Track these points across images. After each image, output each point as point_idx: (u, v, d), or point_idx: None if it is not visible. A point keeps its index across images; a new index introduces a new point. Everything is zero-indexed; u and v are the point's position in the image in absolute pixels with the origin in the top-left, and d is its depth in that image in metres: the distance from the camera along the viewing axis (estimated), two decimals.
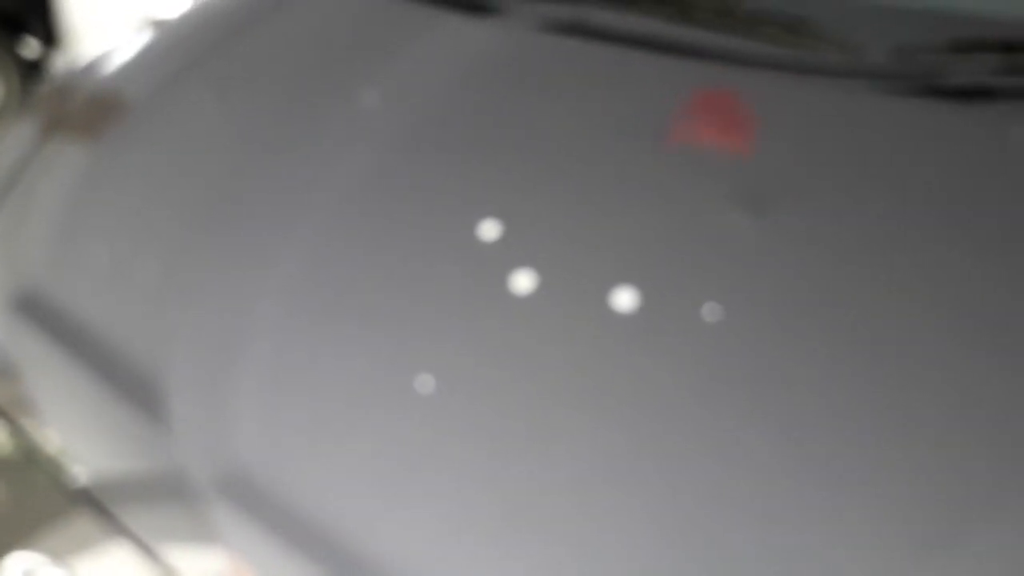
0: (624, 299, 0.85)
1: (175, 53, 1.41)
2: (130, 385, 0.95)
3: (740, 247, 0.87)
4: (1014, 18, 0.99)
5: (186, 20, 1.49)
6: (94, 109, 1.40)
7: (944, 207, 0.87)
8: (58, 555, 0.87)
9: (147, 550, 0.84)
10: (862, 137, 0.95)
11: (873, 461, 0.70)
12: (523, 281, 0.89)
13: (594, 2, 1.18)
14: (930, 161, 0.91)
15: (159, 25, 1.51)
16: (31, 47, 4.58)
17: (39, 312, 1.09)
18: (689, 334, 0.81)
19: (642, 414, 0.77)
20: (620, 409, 0.78)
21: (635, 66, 1.10)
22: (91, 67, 1.50)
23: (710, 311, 0.82)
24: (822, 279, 0.83)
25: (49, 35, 4.52)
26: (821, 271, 0.84)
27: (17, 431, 1.01)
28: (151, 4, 1.77)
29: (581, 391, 0.80)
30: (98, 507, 0.88)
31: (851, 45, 1.02)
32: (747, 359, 0.79)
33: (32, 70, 4.60)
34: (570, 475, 0.75)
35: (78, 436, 0.96)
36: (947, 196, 0.88)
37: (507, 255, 0.92)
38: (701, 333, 0.81)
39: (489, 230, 0.95)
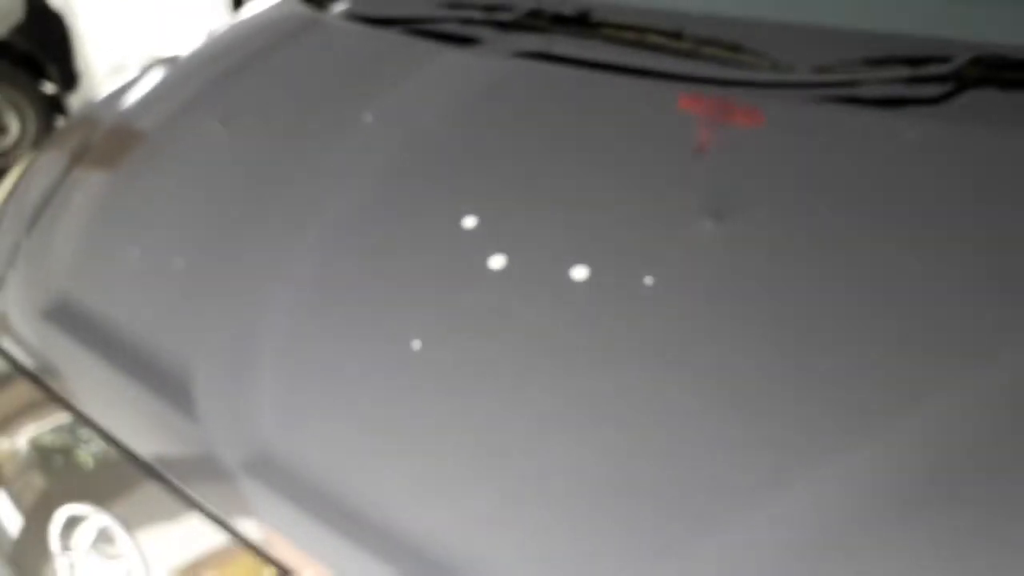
0: (582, 274, 0.99)
1: (187, 86, 1.56)
2: (159, 377, 1.08)
3: (682, 231, 1.01)
4: (918, 35, 1.13)
5: (196, 56, 1.64)
6: (114, 139, 1.54)
7: (859, 196, 1.01)
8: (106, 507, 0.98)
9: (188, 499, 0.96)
10: (789, 138, 1.08)
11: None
12: (501, 264, 1.04)
13: (559, 33, 1.33)
14: (847, 159, 1.05)
15: (169, 62, 1.67)
16: (50, 86, 4.78)
17: (70, 317, 1.23)
18: (637, 301, 0.95)
19: (600, 367, 0.91)
20: (584, 362, 0.93)
21: (595, 87, 1.24)
22: (109, 101, 1.65)
23: (654, 283, 0.96)
24: (749, 254, 0.97)
25: (68, 75, 4.72)
26: (749, 248, 0.97)
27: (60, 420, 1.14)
28: (161, 45, 1.93)
29: (554, 351, 0.94)
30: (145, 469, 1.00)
31: (781, 63, 1.16)
32: (687, 320, 0.93)
33: (50, 108, 4.81)
34: (542, 422, 0.89)
35: (116, 422, 1.09)
36: (862, 186, 1.01)
37: (489, 244, 1.06)
38: (647, 300, 0.95)
39: (473, 226, 1.10)
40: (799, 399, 0.84)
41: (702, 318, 0.93)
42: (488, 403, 0.93)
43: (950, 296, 0.88)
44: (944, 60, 1.07)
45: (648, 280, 0.97)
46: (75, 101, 4.74)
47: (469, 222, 1.10)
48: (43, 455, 1.10)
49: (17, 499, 1.05)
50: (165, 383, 1.05)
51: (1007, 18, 1.14)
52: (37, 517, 0.99)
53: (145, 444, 1.01)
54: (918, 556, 0.74)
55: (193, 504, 0.94)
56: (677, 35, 1.25)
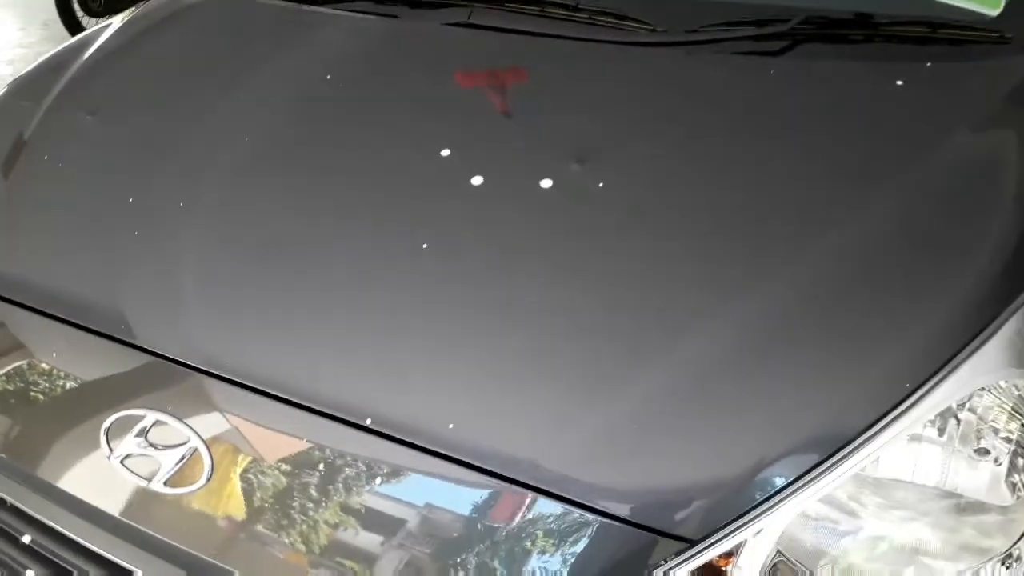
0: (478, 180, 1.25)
1: (87, 67, 1.71)
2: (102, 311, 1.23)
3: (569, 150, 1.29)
4: (762, 3, 1.45)
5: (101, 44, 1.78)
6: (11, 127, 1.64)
7: (719, 121, 1.30)
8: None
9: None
10: (666, 82, 1.40)
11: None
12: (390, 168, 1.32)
13: (478, 7, 1.58)
14: (704, 97, 1.36)
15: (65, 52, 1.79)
16: None
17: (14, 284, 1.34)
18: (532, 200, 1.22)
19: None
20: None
21: (505, 50, 1.51)
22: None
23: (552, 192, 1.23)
24: (635, 162, 1.26)
25: None
26: (635, 157, 1.26)
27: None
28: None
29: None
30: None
31: (659, 27, 1.46)
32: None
33: None
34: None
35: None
36: (718, 115, 1.32)
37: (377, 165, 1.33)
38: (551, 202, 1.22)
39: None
40: (677, 276, 1.11)
41: (598, 216, 1.19)
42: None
43: (785, 192, 1.18)
44: (783, 21, 1.39)
45: (547, 187, 1.23)
46: None
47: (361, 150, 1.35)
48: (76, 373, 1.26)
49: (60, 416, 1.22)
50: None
51: None
52: (86, 427, 1.17)
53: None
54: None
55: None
56: (575, 7, 1.52)
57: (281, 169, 1.36)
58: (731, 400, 0.98)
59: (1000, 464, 0.97)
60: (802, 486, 0.93)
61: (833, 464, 0.93)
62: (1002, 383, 0.99)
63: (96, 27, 1.90)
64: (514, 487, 0.97)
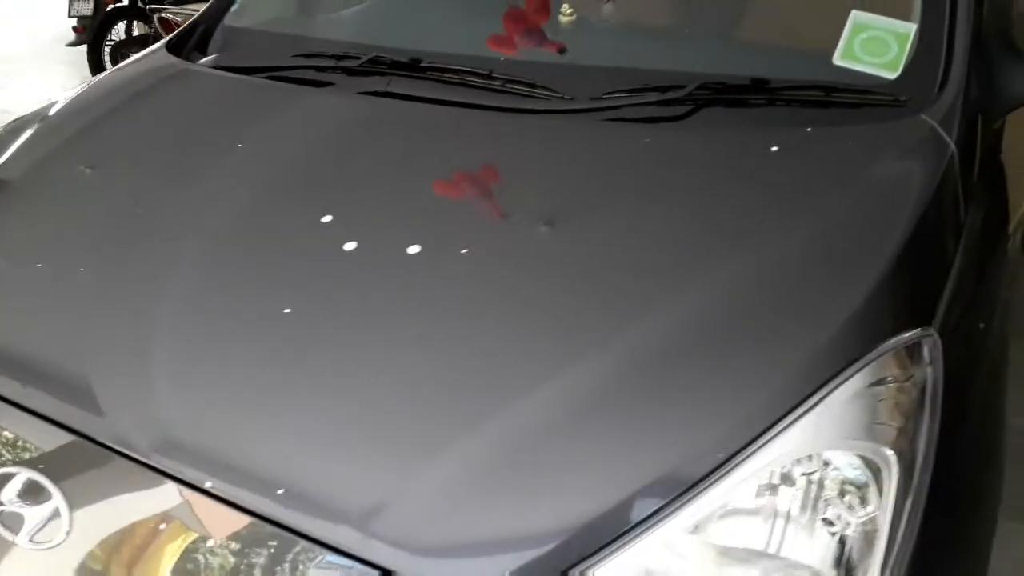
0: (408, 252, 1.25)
1: (60, 134, 1.75)
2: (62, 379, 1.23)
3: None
4: (661, 69, 1.48)
5: (68, 107, 1.84)
6: None
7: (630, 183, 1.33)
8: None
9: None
10: (571, 150, 1.41)
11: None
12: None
13: (396, 75, 1.63)
14: (610, 160, 1.38)
15: (35, 118, 1.84)
16: None
17: None
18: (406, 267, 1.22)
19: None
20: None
21: (421, 117, 1.55)
22: None
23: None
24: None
25: None
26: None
27: None
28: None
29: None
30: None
31: (566, 95, 1.49)
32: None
33: None
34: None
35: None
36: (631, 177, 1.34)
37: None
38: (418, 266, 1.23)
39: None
40: (518, 344, 1.11)
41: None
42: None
43: (642, 259, 1.19)
44: (680, 87, 1.42)
45: (413, 254, 1.24)
46: None
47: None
48: None
49: None
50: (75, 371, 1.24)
51: (723, 55, 1.51)
52: None
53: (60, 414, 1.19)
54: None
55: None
56: (488, 76, 1.56)
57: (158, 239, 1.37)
58: (550, 466, 0.97)
59: (835, 535, 0.95)
60: (614, 550, 0.92)
61: (646, 529, 0.92)
62: (831, 454, 0.98)
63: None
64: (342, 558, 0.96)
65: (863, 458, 0.98)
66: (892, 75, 1.40)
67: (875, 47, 1.43)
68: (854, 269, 1.11)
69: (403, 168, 1.42)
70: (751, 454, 0.95)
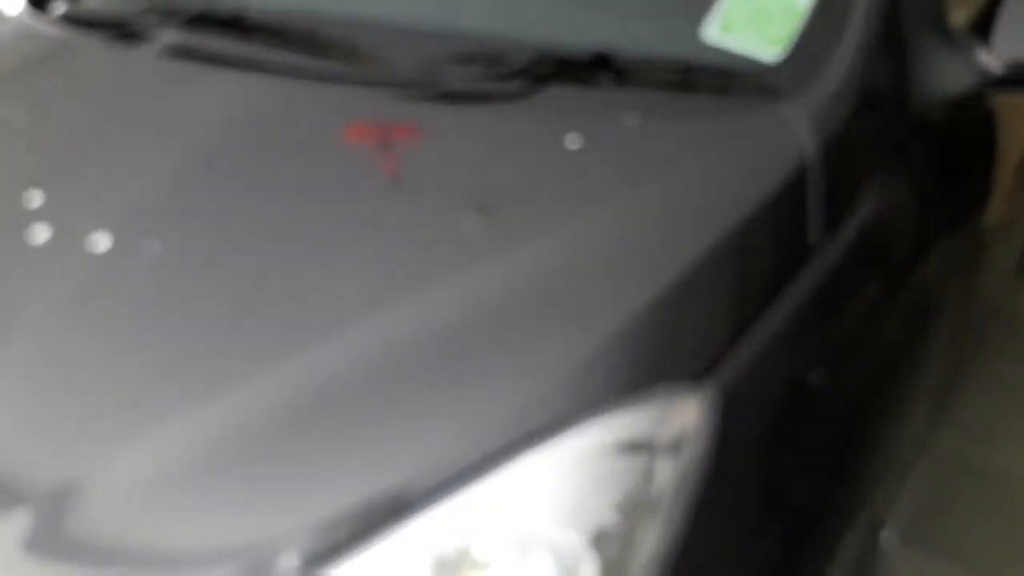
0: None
1: None
2: None
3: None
4: (496, 35, 1.21)
5: None
6: None
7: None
8: None
9: None
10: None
11: None
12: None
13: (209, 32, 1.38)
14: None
15: None
16: None
17: None
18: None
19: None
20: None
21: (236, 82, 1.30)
22: None
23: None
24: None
25: None
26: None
27: None
28: None
29: None
30: None
31: (386, 60, 1.22)
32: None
33: None
34: None
35: None
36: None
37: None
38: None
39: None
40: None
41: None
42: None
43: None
44: (516, 59, 1.15)
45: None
46: None
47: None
48: None
49: None
50: None
51: (575, 21, 1.23)
52: None
53: None
54: None
55: None
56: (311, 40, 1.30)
57: None
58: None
59: None
60: None
61: None
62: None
63: None
64: None
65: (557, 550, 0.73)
66: (770, 59, 1.12)
67: (756, 22, 1.14)
68: (607, 300, 0.84)
69: (148, 138, 1.18)
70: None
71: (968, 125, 1.31)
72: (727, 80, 1.11)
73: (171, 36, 1.38)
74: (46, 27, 1.57)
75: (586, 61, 1.13)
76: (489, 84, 1.15)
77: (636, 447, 0.77)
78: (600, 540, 0.75)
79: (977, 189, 1.38)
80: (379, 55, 1.24)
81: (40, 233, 1.06)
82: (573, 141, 1.03)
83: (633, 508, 0.76)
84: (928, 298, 1.23)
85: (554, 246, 0.90)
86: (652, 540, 0.76)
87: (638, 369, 0.80)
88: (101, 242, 1.02)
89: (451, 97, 1.15)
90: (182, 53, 1.35)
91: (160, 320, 0.94)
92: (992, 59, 1.19)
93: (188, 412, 0.85)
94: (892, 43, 1.15)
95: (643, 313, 0.83)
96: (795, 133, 1.01)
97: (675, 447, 0.79)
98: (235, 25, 1.38)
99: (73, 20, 1.54)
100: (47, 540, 0.80)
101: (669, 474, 0.78)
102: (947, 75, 1.19)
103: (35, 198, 1.12)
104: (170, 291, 0.97)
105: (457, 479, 0.74)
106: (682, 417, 0.80)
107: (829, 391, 0.96)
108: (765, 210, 0.95)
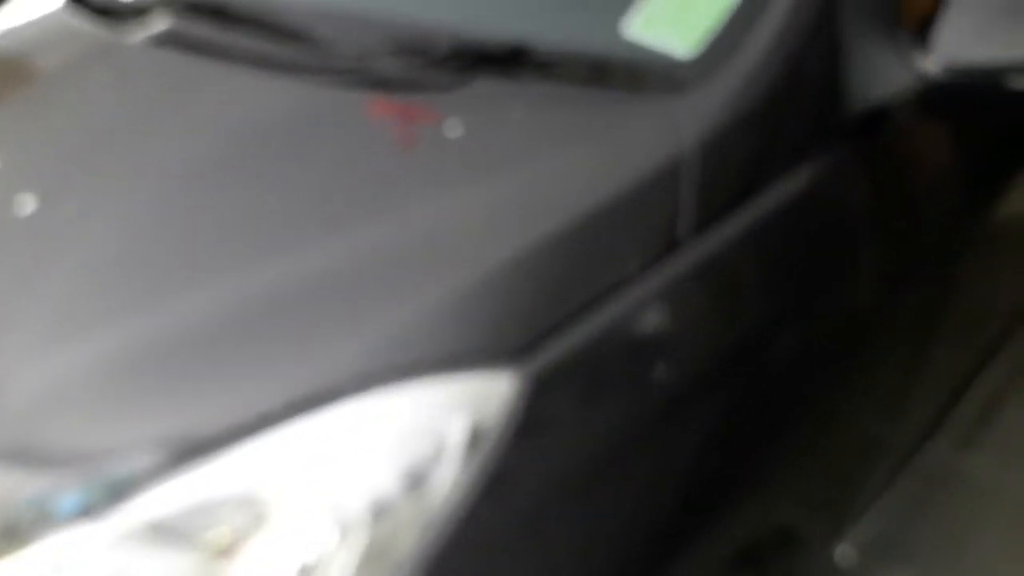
0: None
1: None
2: None
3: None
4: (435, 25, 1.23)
5: None
6: None
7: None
8: None
9: None
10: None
11: None
12: None
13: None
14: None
15: None
16: None
17: None
18: None
19: None
20: None
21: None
22: None
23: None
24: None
25: None
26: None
27: None
28: None
29: None
30: None
31: (324, 46, 1.26)
32: None
33: None
34: None
35: None
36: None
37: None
38: None
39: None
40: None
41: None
42: None
43: None
44: (441, 47, 1.17)
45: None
46: None
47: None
48: None
49: None
50: None
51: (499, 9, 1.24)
52: None
53: None
54: None
55: None
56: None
57: None
58: None
59: None
60: None
61: None
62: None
63: None
64: None
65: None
66: (683, 55, 1.10)
67: (678, 18, 1.13)
68: (431, 277, 0.87)
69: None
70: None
71: (915, 131, 1.26)
72: (639, 76, 1.10)
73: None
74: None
75: (504, 54, 1.15)
76: (419, 73, 1.18)
77: (433, 422, 0.79)
78: (378, 510, 0.77)
79: (932, 196, 1.31)
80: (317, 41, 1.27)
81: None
82: (453, 129, 1.05)
83: (417, 483, 0.78)
84: (849, 316, 1.19)
85: (398, 223, 0.93)
86: (429, 520, 0.77)
87: (450, 344, 0.82)
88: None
89: (384, 85, 1.19)
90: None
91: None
92: (930, 62, 1.14)
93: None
94: (819, 42, 1.12)
95: (464, 291, 0.86)
96: (676, 127, 1.00)
97: (476, 427, 0.80)
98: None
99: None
100: None
101: (463, 454, 0.79)
102: (885, 76, 1.15)
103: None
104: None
105: (256, 425, 0.78)
106: (487, 398, 0.81)
107: (680, 390, 0.94)
108: (621, 201, 0.94)
